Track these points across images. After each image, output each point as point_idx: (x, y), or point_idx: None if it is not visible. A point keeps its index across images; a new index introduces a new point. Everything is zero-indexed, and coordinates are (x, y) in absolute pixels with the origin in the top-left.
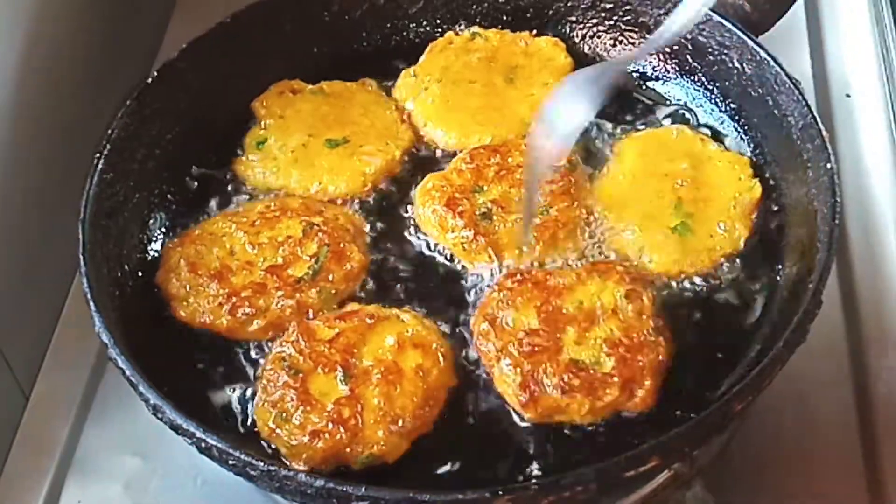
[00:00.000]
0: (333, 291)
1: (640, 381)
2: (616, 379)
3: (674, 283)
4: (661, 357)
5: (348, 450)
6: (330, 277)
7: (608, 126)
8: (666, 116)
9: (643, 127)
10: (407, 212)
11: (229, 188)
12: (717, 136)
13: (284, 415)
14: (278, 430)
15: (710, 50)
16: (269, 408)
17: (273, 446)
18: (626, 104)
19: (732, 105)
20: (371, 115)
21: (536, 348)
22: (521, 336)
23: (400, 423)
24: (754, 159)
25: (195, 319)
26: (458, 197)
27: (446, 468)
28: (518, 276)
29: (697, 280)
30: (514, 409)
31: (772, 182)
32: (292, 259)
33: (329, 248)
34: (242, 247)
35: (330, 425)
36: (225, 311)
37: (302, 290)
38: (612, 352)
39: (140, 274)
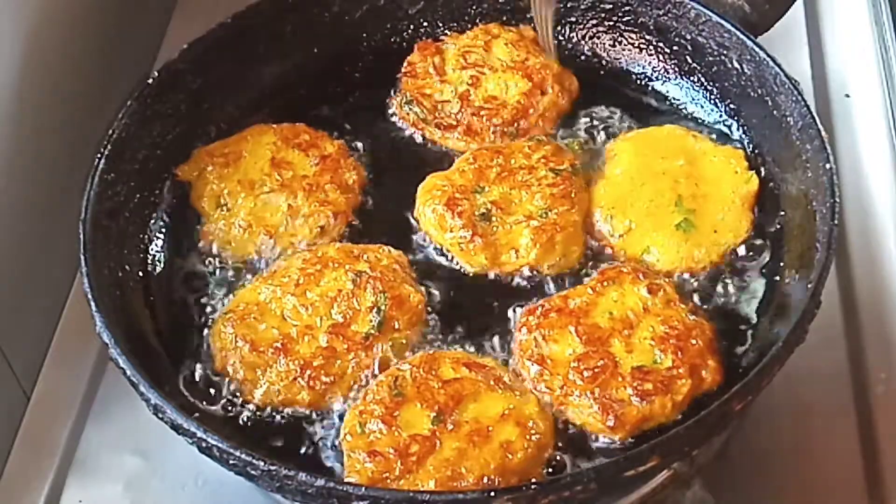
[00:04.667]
0: (404, 341)
1: (703, 363)
2: (682, 369)
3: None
4: (709, 333)
5: (396, 482)
6: (396, 325)
7: (607, 127)
8: (665, 117)
9: (640, 127)
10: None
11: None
12: (716, 136)
13: (362, 425)
14: (349, 437)
15: (709, 50)
16: (356, 415)
17: (342, 454)
18: (625, 105)
19: (732, 105)
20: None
21: (596, 370)
22: (575, 364)
23: (458, 482)
24: (753, 158)
25: (273, 400)
26: (458, 197)
27: None
28: (539, 311)
29: (697, 280)
30: (603, 436)
31: (771, 182)
32: (351, 314)
33: (386, 295)
34: (294, 310)
35: (391, 452)
36: (303, 386)
37: (373, 346)
38: (665, 346)
39: (141, 275)
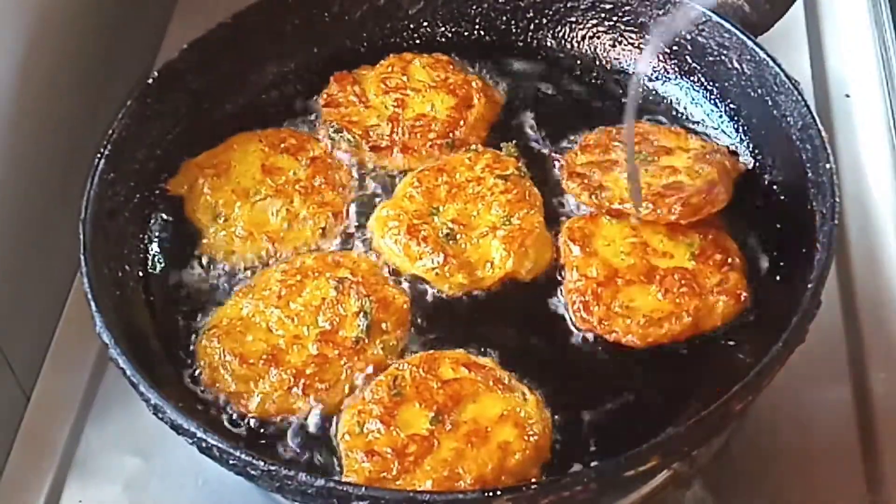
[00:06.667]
0: (393, 342)
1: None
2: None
3: None
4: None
5: (393, 482)
6: (384, 326)
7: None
8: (664, 117)
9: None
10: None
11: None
12: (714, 135)
13: (361, 425)
14: (347, 437)
15: (709, 50)
16: (355, 414)
17: (339, 454)
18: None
19: (732, 105)
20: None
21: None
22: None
23: (456, 483)
24: (753, 158)
25: (269, 412)
26: (416, 223)
27: None
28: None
29: None
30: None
31: (770, 182)
32: (338, 321)
33: (371, 299)
34: (280, 322)
35: (388, 452)
36: (298, 395)
37: (364, 350)
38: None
39: (140, 275)
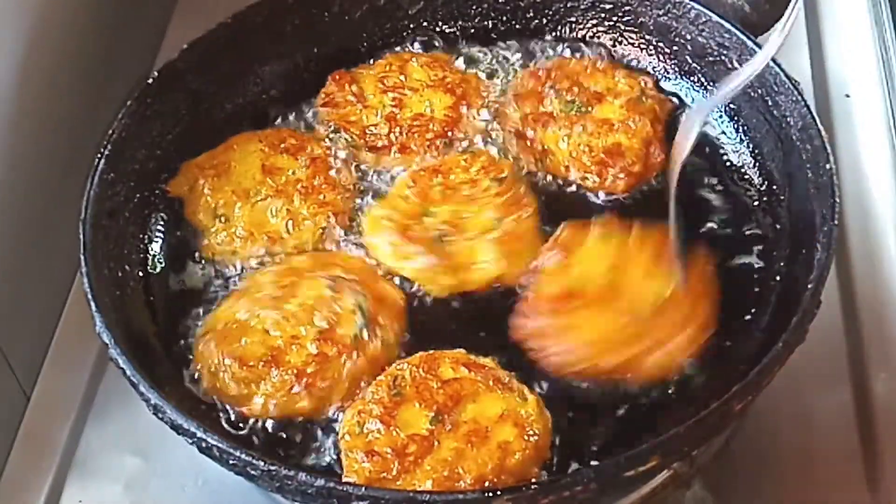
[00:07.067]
0: (392, 338)
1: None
2: None
3: None
4: None
5: (393, 482)
6: (381, 320)
7: None
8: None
9: None
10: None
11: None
12: (714, 135)
13: (361, 425)
14: (347, 437)
15: (709, 50)
16: (355, 415)
17: (339, 454)
18: None
19: (731, 105)
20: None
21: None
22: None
23: (456, 483)
24: (753, 157)
25: (270, 413)
26: (408, 223)
27: None
28: None
29: None
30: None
31: (770, 183)
32: (335, 319)
33: (366, 295)
34: (276, 323)
35: (388, 452)
36: (301, 394)
37: (364, 346)
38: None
39: (140, 275)
